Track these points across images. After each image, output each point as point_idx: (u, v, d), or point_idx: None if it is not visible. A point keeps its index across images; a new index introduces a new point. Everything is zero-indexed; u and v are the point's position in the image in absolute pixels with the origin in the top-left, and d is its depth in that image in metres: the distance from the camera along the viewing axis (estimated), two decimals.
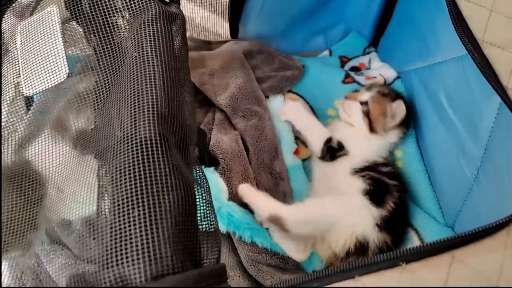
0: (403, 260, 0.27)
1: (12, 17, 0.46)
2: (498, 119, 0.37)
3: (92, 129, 0.38)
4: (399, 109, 0.51)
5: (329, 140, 0.51)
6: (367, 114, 0.51)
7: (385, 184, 0.48)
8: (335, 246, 0.45)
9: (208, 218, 0.34)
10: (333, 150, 0.51)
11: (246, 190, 0.46)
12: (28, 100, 0.54)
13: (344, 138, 0.51)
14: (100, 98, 0.37)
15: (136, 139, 0.29)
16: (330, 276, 0.28)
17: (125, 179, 0.28)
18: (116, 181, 0.29)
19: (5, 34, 0.45)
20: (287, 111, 0.55)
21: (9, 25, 0.45)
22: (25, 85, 0.37)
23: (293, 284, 0.29)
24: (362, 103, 0.52)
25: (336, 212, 0.46)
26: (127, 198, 0.27)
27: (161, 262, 0.25)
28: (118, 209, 0.27)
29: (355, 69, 0.65)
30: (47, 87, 0.36)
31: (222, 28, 0.85)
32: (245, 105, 0.53)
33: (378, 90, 0.53)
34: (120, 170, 0.29)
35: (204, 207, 0.35)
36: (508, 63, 0.33)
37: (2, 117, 0.42)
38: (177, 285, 0.25)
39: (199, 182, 0.37)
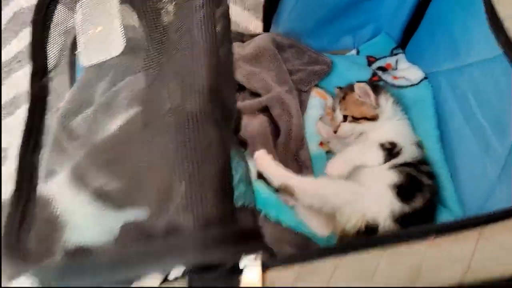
0: (433, 234, 0.29)
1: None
2: None
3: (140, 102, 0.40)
4: (361, 89, 0.54)
5: (382, 145, 0.51)
6: (356, 119, 0.54)
7: (419, 183, 0.49)
8: (345, 224, 0.47)
9: (247, 195, 0.36)
10: (391, 150, 0.51)
11: (262, 158, 0.48)
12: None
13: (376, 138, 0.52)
14: (148, 75, 0.40)
15: (184, 110, 0.32)
16: (361, 245, 0.30)
17: (174, 141, 0.30)
18: (166, 144, 0.31)
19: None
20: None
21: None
22: (84, 57, 0.40)
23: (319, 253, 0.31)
24: (344, 118, 0.55)
25: (347, 197, 0.47)
26: (175, 158, 0.30)
27: (207, 214, 0.27)
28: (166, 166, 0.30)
29: (382, 69, 0.66)
30: (103, 59, 0.39)
31: (252, 24, 0.88)
32: (277, 93, 0.56)
33: (339, 98, 0.56)
34: (168, 134, 0.31)
35: (244, 183, 0.37)
36: None
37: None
38: (217, 237, 0.27)
39: (237, 159, 0.39)
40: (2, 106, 0.75)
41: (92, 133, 0.55)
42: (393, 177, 0.49)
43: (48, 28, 0.45)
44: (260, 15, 0.79)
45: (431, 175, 0.51)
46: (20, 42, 0.82)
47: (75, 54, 0.57)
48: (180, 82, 0.33)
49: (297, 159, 0.54)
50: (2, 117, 0.74)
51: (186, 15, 0.38)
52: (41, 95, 0.42)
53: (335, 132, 0.55)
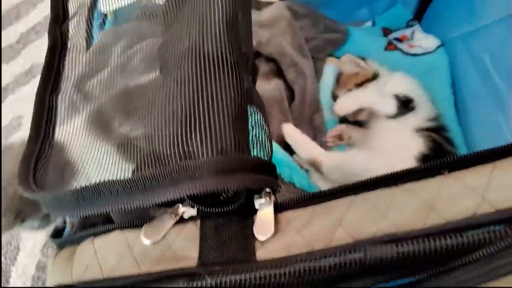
0: (446, 168, 0.29)
1: None
2: None
3: (158, 47, 0.41)
4: (347, 57, 0.57)
5: (397, 96, 0.51)
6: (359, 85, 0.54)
7: (443, 151, 0.49)
8: None
9: (264, 143, 0.37)
10: (405, 103, 0.51)
11: (290, 130, 0.48)
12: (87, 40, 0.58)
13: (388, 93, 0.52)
14: (168, 18, 0.40)
15: (203, 49, 0.32)
16: (374, 183, 0.31)
17: (193, 76, 0.31)
18: (183, 80, 0.32)
19: None
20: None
21: None
22: (103, 4, 0.41)
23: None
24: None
25: (376, 170, 0.47)
26: (193, 89, 0.30)
27: (225, 142, 0.28)
28: (187, 94, 0.30)
29: (398, 40, 0.66)
30: (122, 6, 0.40)
31: None
32: (292, 57, 0.56)
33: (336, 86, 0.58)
34: (187, 69, 0.32)
35: (262, 133, 0.37)
36: None
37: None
38: (234, 161, 0.27)
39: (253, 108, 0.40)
40: (19, 75, 0.77)
41: (108, 93, 0.57)
42: (418, 144, 0.48)
43: None
44: None
45: (451, 142, 0.51)
46: (38, 14, 0.84)
47: (91, 18, 0.58)
48: (200, 19, 0.34)
49: (311, 123, 0.54)
50: (19, 85, 0.76)
51: None
52: (61, 39, 0.43)
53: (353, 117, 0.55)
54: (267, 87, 0.55)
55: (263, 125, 0.38)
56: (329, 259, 0.28)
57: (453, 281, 0.27)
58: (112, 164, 0.37)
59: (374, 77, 0.54)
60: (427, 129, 0.49)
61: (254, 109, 0.37)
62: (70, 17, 0.44)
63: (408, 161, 0.47)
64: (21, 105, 0.73)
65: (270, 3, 0.66)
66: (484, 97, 0.48)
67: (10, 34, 0.81)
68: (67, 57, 0.42)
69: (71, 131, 0.38)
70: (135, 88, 0.49)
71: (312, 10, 0.65)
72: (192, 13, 0.36)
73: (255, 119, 0.36)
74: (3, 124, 0.71)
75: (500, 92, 0.45)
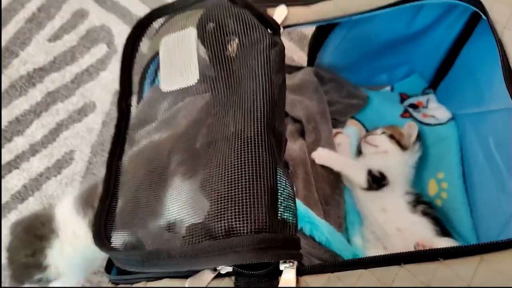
0: (441, 256, 0.35)
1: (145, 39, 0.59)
2: None
3: (206, 127, 0.48)
4: (412, 128, 0.63)
5: (370, 171, 0.60)
6: (392, 136, 0.62)
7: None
8: None
9: (291, 210, 0.43)
10: (377, 180, 0.59)
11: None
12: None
13: (382, 166, 0.60)
14: (216, 103, 0.47)
15: (245, 134, 0.40)
16: (382, 261, 0.37)
17: (236, 159, 0.38)
18: (229, 160, 0.39)
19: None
20: (321, 156, 0.62)
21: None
22: (163, 83, 0.49)
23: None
24: (382, 133, 0.63)
25: None
26: (236, 172, 0.37)
27: (260, 223, 0.35)
28: (229, 179, 0.38)
29: (413, 106, 0.73)
30: (179, 88, 0.48)
31: (296, 55, 0.97)
32: (315, 123, 0.63)
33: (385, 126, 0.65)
34: (231, 153, 0.39)
35: (288, 199, 0.44)
36: None
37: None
38: (268, 241, 0.34)
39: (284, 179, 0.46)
40: (73, 113, 0.86)
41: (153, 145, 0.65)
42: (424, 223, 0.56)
43: (134, 58, 0.55)
44: (304, 47, 0.88)
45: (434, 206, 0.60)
46: (91, 57, 0.94)
47: (144, 76, 0.68)
48: (244, 110, 0.41)
49: (329, 182, 0.61)
50: (72, 122, 0.85)
51: (249, 57, 0.46)
52: (126, 114, 0.51)
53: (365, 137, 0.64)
54: (294, 147, 0.62)
55: (292, 196, 0.45)
56: None
57: None
58: (162, 230, 0.45)
59: (403, 148, 0.62)
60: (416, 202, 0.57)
61: (286, 183, 0.44)
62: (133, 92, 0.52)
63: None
64: (74, 141, 0.82)
65: (300, 68, 0.74)
66: (487, 175, 0.53)
67: (66, 74, 0.92)
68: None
69: (128, 192, 0.46)
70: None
71: (336, 76, 0.72)
72: (238, 102, 0.43)
73: (286, 193, 0.43)
74: (57, 157, 0.80)
75: (501, 173, 0.50)
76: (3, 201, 0.75)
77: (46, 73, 0.92)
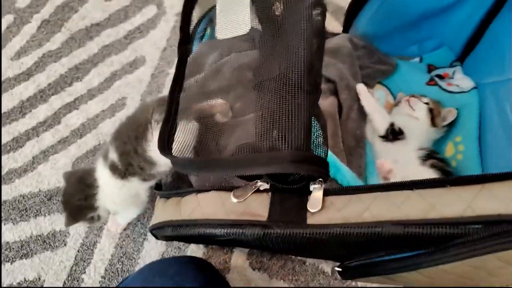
0: (449, 184, 0.41)
1: None
2: None
3: (254, 69, 0.55)
4: (451, 113, 0.68)
5: (392, 124, 0.66)
6: (431, 110, 0.66)
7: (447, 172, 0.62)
8: None
9: (322, 148, 0.50)
10: (394, 132, 0.66)
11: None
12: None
13: (406, 126, 0.66)
14: (262, 52, 0.54)
15: (288, 76, 0.46)
16: (397, 186, 0.43)
17: (281, 96, 0.45)
18: (272, 97, 0.46)
19: None
20: (362, 90, 0.70)
21: None
22: (219, 31, 0.56)
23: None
24: (425, 103, 0.67)
25: None
26: (280, 104, 0.44)
27: (298, 144, 0.42)
28: (274, 111, 0.45)
29: (440, 77, 0.77)
30: (234, 35, 0.55)
31: (331, 25, 1.02)
32: (348, 82, 0.69)
33: (432, 99, 0.69)
34: (277, 91, 0.46)
35: (321, 139, 0.51)
36: None
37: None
38: (303, 157, 0.41)
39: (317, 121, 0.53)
40: (125, 65, 0.95)
41: (201, 91, 0.74)
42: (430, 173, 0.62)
43: (192, 12, 0.62)
44: (339, 17, 0.93)
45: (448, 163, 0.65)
46: (143, 16, 1.02)
47: (194, 34, 0.75)
48: (286, 56, 0.48)
49: (354, 135, 0.67)
50: (124, 73, 0.94)
51: (294, 13, 0.52)
52: (185, 56, 0.59)
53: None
54: (325, 103, 0.69)
55: (321, 133, 0.52)
56: (357, 229, 0.42)
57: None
58: (215, 143, 0.53)
59: (434, 125, 0.68)
60: (427, 157, 0.63)
61: (316, 122, 0.51)
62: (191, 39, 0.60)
63: None
64: (126, 89, 0.91)
65: (336, 34, 0.79)
66: (501, 139, 0.58)
67: (120, 30, 1.00)
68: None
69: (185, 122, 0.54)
70: (229, 92, 0.64)
71: (369, 44, 0.78)
72: (283, 50, 0.50)
73: (317, 131, 0.50)
74: (111, 102, 0.90)
75: None
76: (64, 136, 0.85)
77: (102, 28, 1.01)
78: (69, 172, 0.66)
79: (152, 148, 0.60)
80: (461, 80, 0.73)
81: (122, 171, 0.61)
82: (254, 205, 0.47)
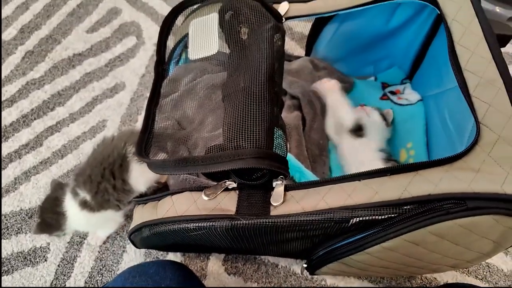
0: (389, 172, 0.48)
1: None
2: (473, 129, 0.57)
3: (222, 85, 0.62)
4: (389, 114, 0.77)
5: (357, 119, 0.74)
6: (382, 114, 0.75)
7: None
8: None
9: (283, 148, 0.56)
10: (359, 128, 0.73)
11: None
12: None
13: (366, 125, 0.73)
14: (230, 69, 0.60)
15: (251, 89, 0.53)
16: (347, 178, 0.50)
17: (245, 105, 0.52)
18: (238, 107, 0.53)
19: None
20: (331, 85, 0.78)
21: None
22: (191, 53, 0.63)
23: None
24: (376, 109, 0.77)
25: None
26: (244, 112, 0.51)
27: (260, 143, 0.48)
28: (239, 117, 0.51)
29: (392, 93, 0.86)
30: (203, 57, 0.62)
31: (296, 51, 1.11)
32: (308, 97, 0.77)
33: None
34: (241, 101, 0.53)
35: (282, 142, 0.57)
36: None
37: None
38: (265, 154, 0.47)
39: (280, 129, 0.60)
40: (106, 90, 1.01)
41: (175, 110, 0.80)
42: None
43: (168, 34, 0.70)
44: (303, 45, 1.02)
45: None
46: (123, 46, 1.10)
47: (170, 59, 0.83)
48: (252, 72, 0.55)
49: (318, 144, 0.74)
50: (105, 97, 0.99)
51: (256, 36, 0.60)
52: (161, 75, 0.66)
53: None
54: (290, 116, 0.76)
55: (283, 138, 0.58)
56: (312, 216, 0.47)
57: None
58: (187, 150, 0.58)
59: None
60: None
61: (279, 129, 0.58)
62: (166, 60, 0.67)
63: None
64: (107, 112, 0.96)
65: (298, 57, 0.88)
66: (443, 141, 0.66)
67: (101, 59, 1.07)
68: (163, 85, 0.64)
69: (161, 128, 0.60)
70: (197, 110, 0.71)
71: (328, 65, 0.87)
72: (246, 66, 0.57)
73: (278, 134, 0.57)
74: (92, 124, 0.94)
75: (451, 135, 0.63)
76: (45, 157, 0.89)
77: (84, 58, 1.07)
78: (56, 182, 0.68)
79: (133, 178, 0.64)
80: (409, 95, 0.82)
81: (96, 207, 0.63)
82: (224, 202, 0.52)
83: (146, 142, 0.55)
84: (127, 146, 0.63)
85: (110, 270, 0.73)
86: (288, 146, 0.72)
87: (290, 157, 0.69)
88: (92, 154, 0.65)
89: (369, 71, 0.91)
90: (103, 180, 0.61)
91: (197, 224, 0.50)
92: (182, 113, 0.81)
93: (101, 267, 0.74)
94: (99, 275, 0.73)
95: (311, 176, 0.69)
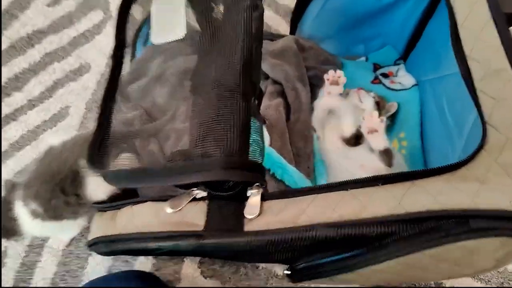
0: (380, 182, 0.41)
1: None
2: (474, 123, 0.50)
3: (192, 73, 0.53)
4: (393, 106, 0.69)
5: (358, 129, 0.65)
6: (377, 103, 0.67)
7: None
8: None
9: (258, 144, 0.50)
10: (358, 137, 0.65)
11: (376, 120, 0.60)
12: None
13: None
14: (201, 54, 0.52)
15: (224, 82, 0.45)
16: (332, 187, 0.43)
17: (216, 100, 0.44)
18: (207, 102, 0.45)
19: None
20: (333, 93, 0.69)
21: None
22: (154, 37, 0.54)
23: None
24: (373, 96, 0.68)
25: None
26: (213, 109, 0.43)
27: (231, 149, 0.41)
28: (209, 113, 0.43)
29: (384, 75, 0.79)
30: (168, 40, 0.53)
31: (282, 27, 1.02)
32: (293, 83, 0.69)
33: (377, 95, 0.70)
34: (212, 95, 0.45)
35: (257, 145, 0.50)
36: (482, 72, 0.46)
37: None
38: (236, 163, 0.40)
39: (256, 123, 0.52)
40: (69, 72, 0.91)
41: (143, 97, 0.71)
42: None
43: (127, 17, 0.60)
44: (289, 20, 0.93)
45: None
46: (88, 22, 0.99)
47: (137, 37, 0.73)
48: (225, 60, 0.46)
49: (303, 136, 0.67)
50: (68, 81, 0.89)
51: (231, 16, 0.51)
52: (119, 62, 0.57)
53: None
54: (272, 104, 0.68)
55: (260, 132, 0.51)
56: (292, 233, 0.41)
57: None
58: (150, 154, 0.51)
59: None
60: None
61: (256, 120, 0.50)
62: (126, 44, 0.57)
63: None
64: (70, 97, 0.86)
65: (282, 36, 0.79)
66: (440, 132, 0.59)
67: (64, 37, 0.96)
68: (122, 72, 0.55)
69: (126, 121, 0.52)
70: (168, 98, 0.62)
71: (315, 45, 0.78)
72: (219, 52, 0.48)
73: (255, 127, 0.49)
74: (53, 112, 0.85)
75: (449, 126, 0.57)
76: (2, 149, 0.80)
77: (44, 35, 0.96)
78: (11, 183, 0.60)
79: (90, 190, 0.56)
80: (403, 78, 0.75)
81: (49, 218, 0.56)
82: (190, 215, 0.45)
83: (100, 146, 0.47)
84: (79, 162, 0.54)
85: (75, 275, 0.67)
86: (269, 138, 0.65)
87: (272, 151, 0.62)
88: (37, 167, 0.56)
89: (359, 50, 0.82)
90: (53, 197, 0.54)
91: (159, 244, 0.43)
92: (151, 101, 0.73)
93: (65, 272, 0.67)
94: (62, 282, 0.67)
95: (295, 173, 0.62)
